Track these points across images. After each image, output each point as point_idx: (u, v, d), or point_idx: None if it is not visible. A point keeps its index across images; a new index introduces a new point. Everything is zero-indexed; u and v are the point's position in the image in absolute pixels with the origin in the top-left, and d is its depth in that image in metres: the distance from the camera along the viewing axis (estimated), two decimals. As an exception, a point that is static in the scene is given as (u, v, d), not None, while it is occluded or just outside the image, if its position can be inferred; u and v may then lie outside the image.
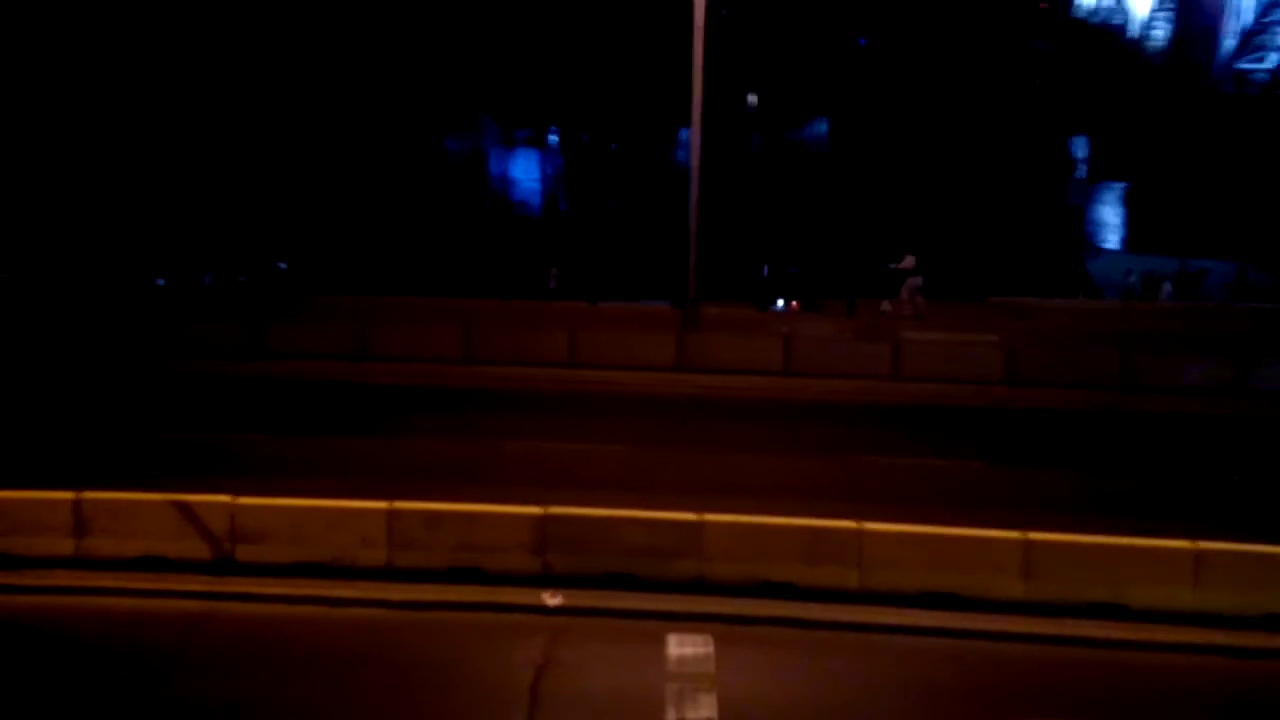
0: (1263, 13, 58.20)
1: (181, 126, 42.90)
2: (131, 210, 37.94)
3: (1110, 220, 56.86)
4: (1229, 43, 59.21)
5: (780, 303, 34.67)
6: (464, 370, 25.49)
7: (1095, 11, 60.94)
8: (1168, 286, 43.34)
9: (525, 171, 51.22)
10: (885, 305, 33.31)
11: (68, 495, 16.05)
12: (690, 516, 15.07)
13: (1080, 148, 55.44)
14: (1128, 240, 55.60)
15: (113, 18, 43.74)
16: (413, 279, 33.63)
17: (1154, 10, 60.64)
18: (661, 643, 13.22)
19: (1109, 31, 60.36)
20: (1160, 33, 60.54)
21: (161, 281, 32.04)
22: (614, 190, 50.07)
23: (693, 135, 26.31)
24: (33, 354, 25.94)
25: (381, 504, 15.68)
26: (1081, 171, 55.78)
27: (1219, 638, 13.64)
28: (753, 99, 45.08)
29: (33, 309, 28.27)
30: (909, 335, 28.45)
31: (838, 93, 50.28)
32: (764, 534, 15.03)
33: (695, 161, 26.21)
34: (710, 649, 13.12)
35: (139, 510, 15.86)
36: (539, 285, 33.40)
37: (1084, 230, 55.93)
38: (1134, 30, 60.80)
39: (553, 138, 52.12)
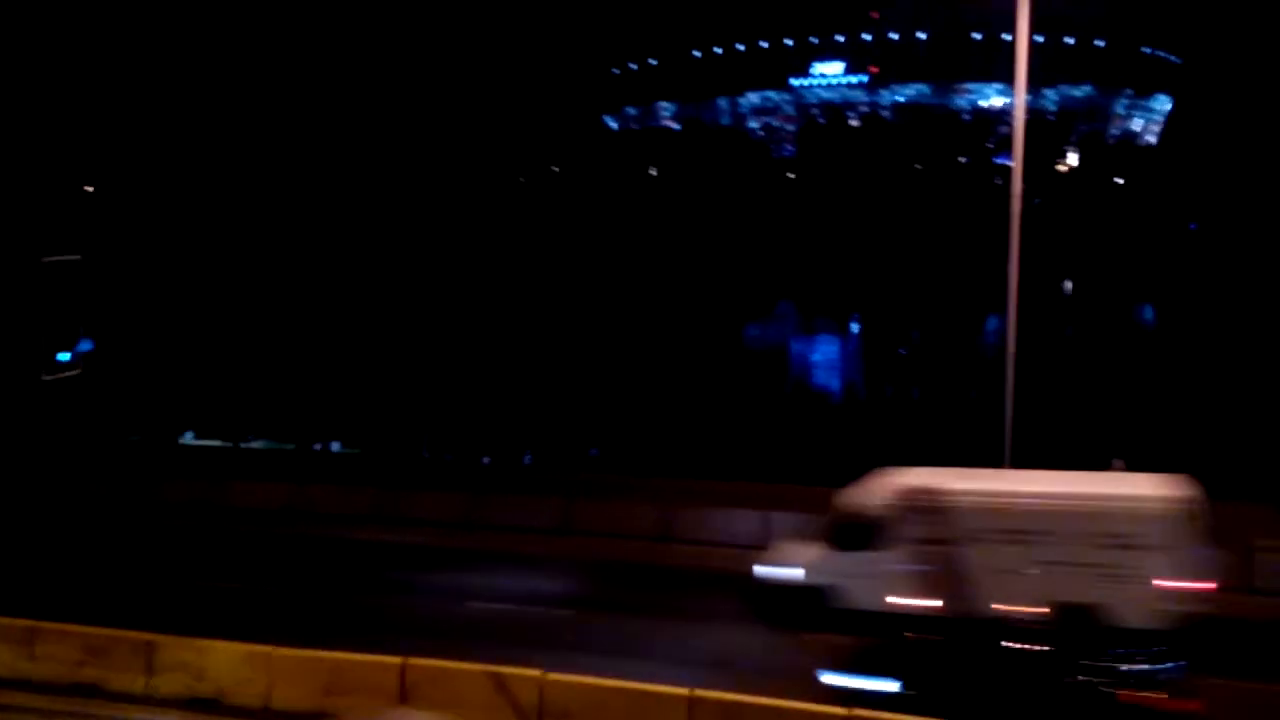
0: None
1: (515, 322, 47.35)
2: (472, 392, 41.52)
3: None
4: None
5: None
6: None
7: None
8: None
9: (825, 357, 51.51)
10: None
11: (395, 660, 17.02)
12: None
13: None
14: None
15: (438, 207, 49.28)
16: (714, 462, 34.12)
17: None
18: None
19: None
20: None
21: (487, 460, 34.37)
22: (916, 376, 49.20)
23: (1009, 323, 25.41)
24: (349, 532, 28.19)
25: (682, 690, 15.50)
26: None
27: None
28: (1069, 285, 43.50)
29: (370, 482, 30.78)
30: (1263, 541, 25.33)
31: (1164, 276, 47.70)
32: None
33: (1012, 349, 25.26)
34: None
35: (457, 679, 16.53)
36: (838, 469, 32.88)
37: None
38: None
39: (854, 325, 52.36)
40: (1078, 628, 18.49)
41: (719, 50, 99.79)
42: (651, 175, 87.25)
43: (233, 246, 58.54)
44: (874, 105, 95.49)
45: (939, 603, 19.15)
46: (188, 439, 39.20)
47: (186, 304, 52.68)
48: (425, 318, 50.02)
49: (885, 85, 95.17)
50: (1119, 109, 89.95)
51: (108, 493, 31.05)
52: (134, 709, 17.70)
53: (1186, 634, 17.91)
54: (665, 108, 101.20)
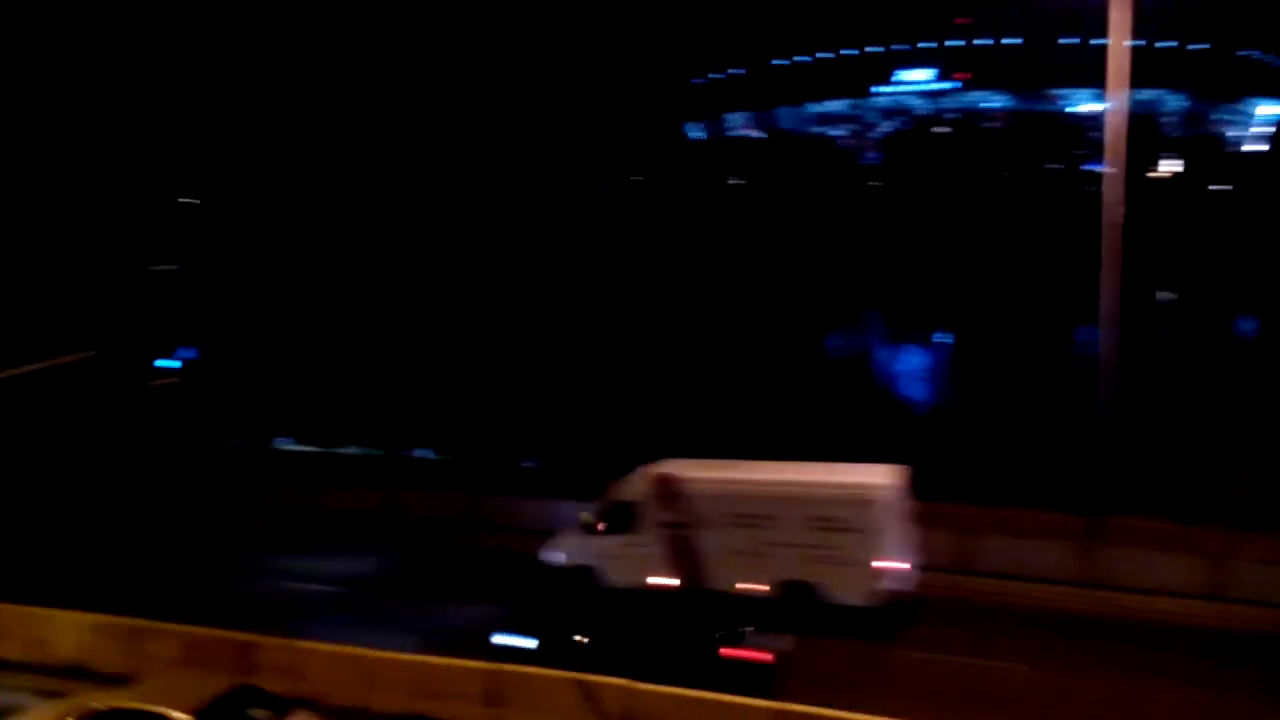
0: None
1: (601, 332, 47.98)
2: (557, 400, 41.94)
3: None
4: None
5: None
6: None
7: None
8: None
9: (910, 366, 50.84)
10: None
11: (483, 666, 17.35)
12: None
13: None
14: None
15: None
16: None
17: None
18: None
19: None
20: None
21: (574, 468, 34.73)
22: (1005, 387, 48.29)
23: (1104, 331, 24.89)
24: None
25: (767, 703, 15.53)
26: None
27: None
28: (1167, 295, 42.33)
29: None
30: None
31: (1270, 287, 46.14)
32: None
33: (1110, 359, 24.72)
34: None
35: (545, 685, 16.78)
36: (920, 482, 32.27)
37: None
38: None
39: (940, 335, 51.61)
40: (799, 603, 20.98)
41: (801, 58, 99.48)
42: (733, 184, 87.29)
43: (330, 257, 60.07)
44: (962, 111, 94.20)
45: (681, 581, 21.58)
46: (284, 444, 40.26)
47: (286, 313, 54.16)
48: (514, 326, 50.68)
49: (974, 91, 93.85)
50: (1218, 114, 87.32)
51: (206, 495, 32.08)
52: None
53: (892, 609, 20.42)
54: (746, 116, 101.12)
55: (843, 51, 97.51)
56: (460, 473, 33.70)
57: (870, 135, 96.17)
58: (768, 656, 17.97)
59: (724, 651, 18.00)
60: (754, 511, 21.36)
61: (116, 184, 64.02)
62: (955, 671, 19.18)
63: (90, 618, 20.02)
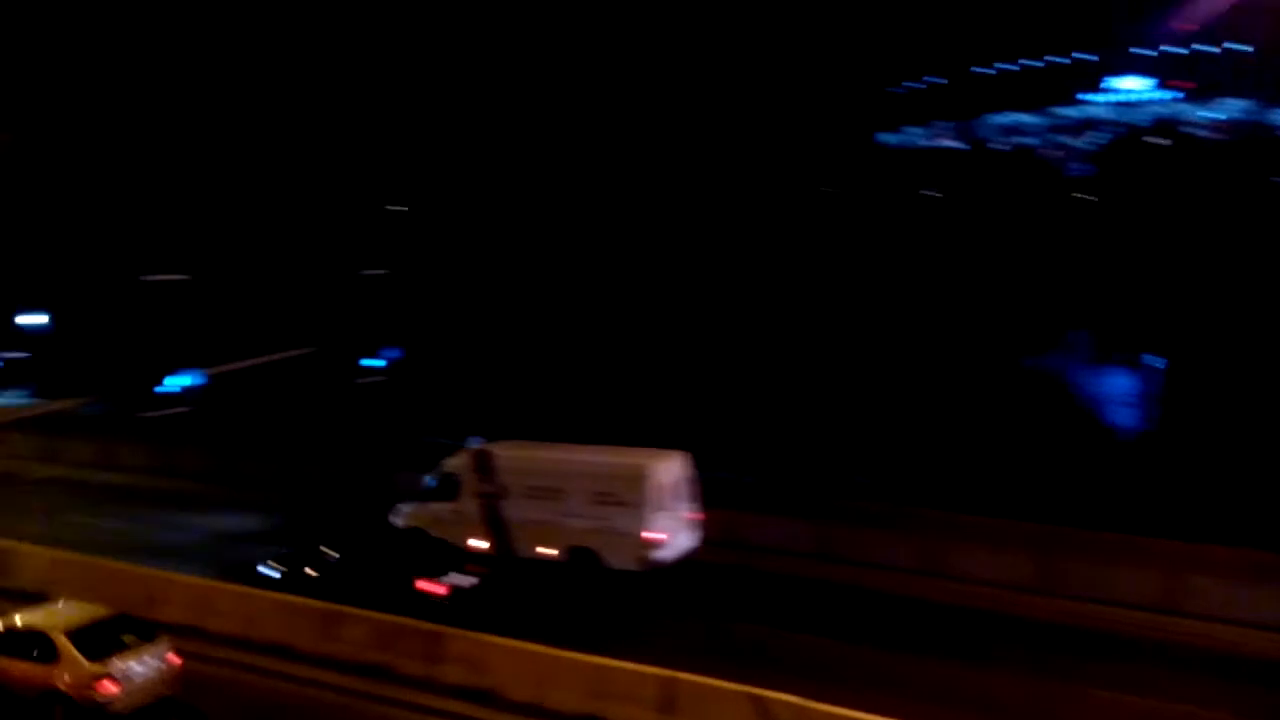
0: None
1: (785, 343, 47.60)
2: (734, 412, 41.96)
3: None
4: None
5: None
6: (1039, 601, 23.89)
7: None
8: None
9: (1119, 390, 48.24)
10: None
11: (658, 672, 17.49)
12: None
13: None
14: None
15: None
16: (985, 495, 32.73)
17: None
18: None
19: None
20: None
21: (749, 479, 34.54)
22: (1222, 415, 45.15)
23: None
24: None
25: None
26: None
27: None
28: None
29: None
30: None
31: None
32: None
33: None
34: None
35: (718, 698, 16.77)
36: (1126, 511, 30.56)
37: None
38: None
39: (1150, 358, 48.75)
40: (585, 567, 24.07)
41: (1005, 66, 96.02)
42: (928, 196, 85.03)
43: (528, 264, 62.13)
44: (1179, 121, 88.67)
45: (490, 544, 24.73)
46: (475, 443, 41.75)
47: (486, 316, 56.37)
48: (695, 336, 51.03)
49: (1193, 101, 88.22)
50: None
51: (396, 488, 33.38)
52: (419, 694, 19.14)
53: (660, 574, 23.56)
54: (944, 126, 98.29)
55: (1049, 59, 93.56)
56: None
57: (1077, 146, 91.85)
58: (442, 590, 21.89)
59: (416, 583, 21.79)
60: (548, 485, 24.69)
61: (333, 195, 68.26)
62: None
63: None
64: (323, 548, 23.05)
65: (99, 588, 22.22)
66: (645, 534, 23.67)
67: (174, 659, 18.41)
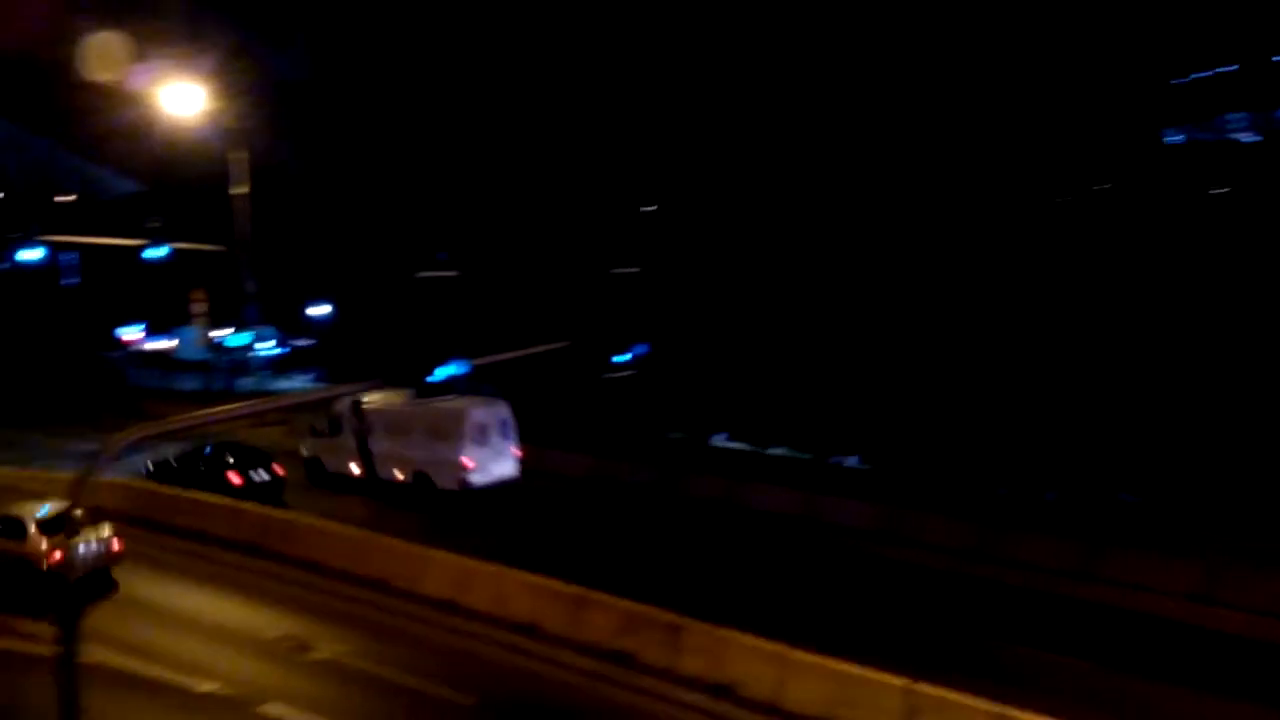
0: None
1: (1046, 349, 45.19)
2: (990, 419, 40.21)
3: None
4: None
5: None
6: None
7: None
8: None
9: None
10: None
11: (899, 681, 17.02)
12: None
13: None
14: None
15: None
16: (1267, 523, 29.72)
17: None
18: None
19: None
20: None
21: (1003, 491, 32.95)
22: None
23: None
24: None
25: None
26: None
27: None
28: None
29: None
30: None
31: None
32: None
33: None
34: None
35: (961, 713, 16.15)
36: None
37: None
38: None
39: None
40: (424, 487, 30.81)
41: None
42: (1216, 193, 78.10)
43: (776, 264, 61.98)
44: None
45: (361, 470, 32.05)
46: (719, 440, 42.06)
47: (733, 315, 56.69)
48: (951, 340, 49.22)
49: None
50: None
51: (643, 482, 34.05)
52: (659, 682, 19.48)
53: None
54: (1237, 118, 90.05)
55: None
56: (880, 484, 33.30)
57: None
58: (238, 480, 30.36)
59: (226, 474, 30.34)
60: (400, 425, 31.64)
61: (591, 197, 70.66)
62: None
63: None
64: (173, 456, 31.33)
65: (364, 559, 24.30)
66: (462, 459, 30.15)
67: (115, 544, 23.95)
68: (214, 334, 51.87)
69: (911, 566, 26.19)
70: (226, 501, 28.25)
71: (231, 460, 31.10)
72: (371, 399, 32.04)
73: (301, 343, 56.21)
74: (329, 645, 20.93)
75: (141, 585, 23.84)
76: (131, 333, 59.83)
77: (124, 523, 26.78)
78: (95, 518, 23.77)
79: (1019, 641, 21.34)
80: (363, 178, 71.13)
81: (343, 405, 32.10)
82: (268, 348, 52.59)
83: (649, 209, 75.94)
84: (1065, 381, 43.60)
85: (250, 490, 30.27)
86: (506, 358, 21.61)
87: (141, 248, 47.78)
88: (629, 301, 59.62)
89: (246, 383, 47.74)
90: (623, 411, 43.29)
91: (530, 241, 67.52)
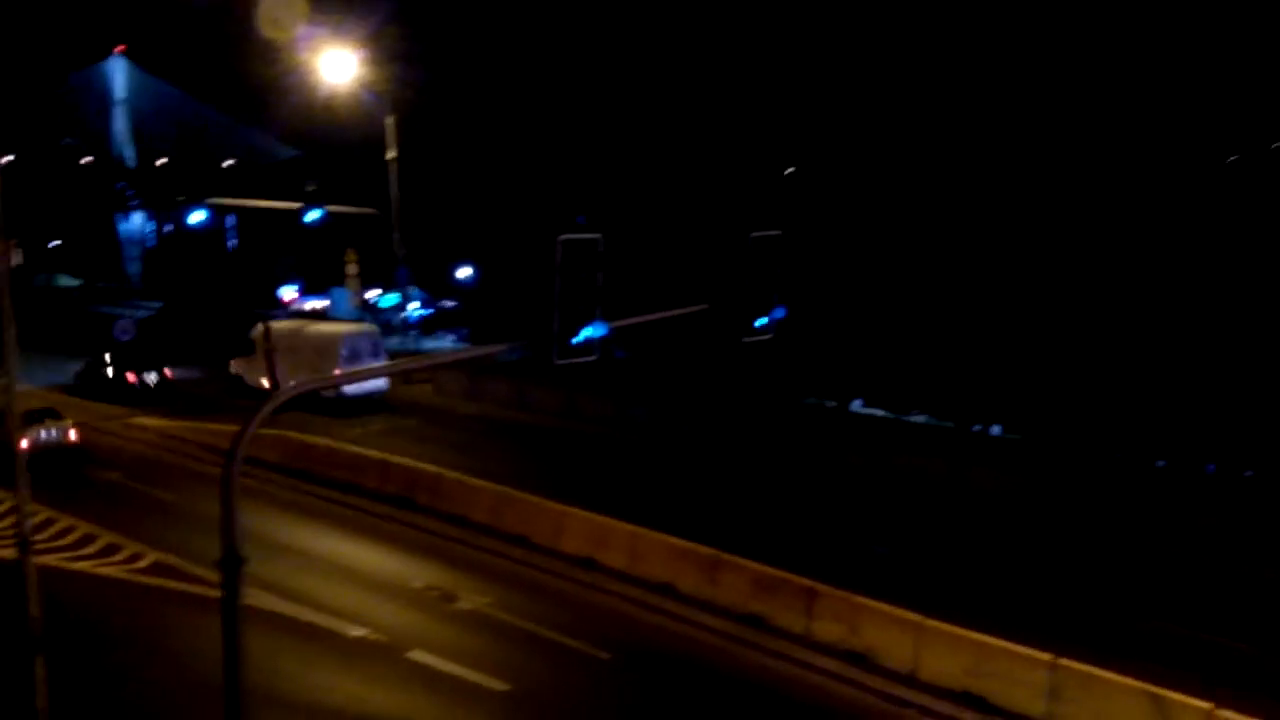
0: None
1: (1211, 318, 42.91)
2: (1154, 393, 38.44)
3: None
4: None
5: None
6: None
7: None
8: None
9: None
10: None
11: (1044, 656, 16.53)
12: None
13: None
14: None
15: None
16: None
17: None
18: None
19: None
20: None
21: (1162, 463, 31.43)
22: None
23: None
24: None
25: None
26: None
27: None
28: None
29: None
30: None
31: None
32: None
33: None
34: None
35: (1109, 691, 15.60)
36: None
37: None
38: None
39: None
40: (312, 395, 32.17)
41: None
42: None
43: (922, 226, 60.44)
44: None
45: (269, 382, 34.87)
46: (856, 406, 41.33)
47: (874, 279, 55.54)
48: (1114, 306, 47.11)
49: None
50: None
51: (781, 448, 33.80)
52: (793, 647, 19.42)
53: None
54: None
55: None
56: (1028, 453, 32.18)
57: None
58: (133, 379, 39.25)
59: (125, 375, 39.04)
60: (297, 345, 37.60)
61: (734, 160, 70.13)
62: None
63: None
64: (83, 367, 39.82)
65: (504, 514, 25.04)
66: (337, 374, 35.06)
67: (72, 432, 31.30)
68: (366, 294, 53.66)
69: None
70: (376, 455, 29.51)
71: (126, 365, 39.31)
72: (278, 325, 38.79)
73: (447, 304, 57.55)
74: (472, 596, 21.60)
75: (297, 534, 25.06)
76: (289, 292, 62.50)
77: (281, 474, 28.20)
78: (55, 416, 31.40)
79: (1171, 620, 20.44)
80: (507, 143, 72.28)
81: (257, 331, 38.24)
82: (416, 309, 54.06)
83: (789, 171, 74.92)
84: (1220, 352, 41.27)
85: (144, 390, 39.12)
86: (645, 320, 21.60)
87: (300, 211, 49.50)
88: (770, 265, 58.96)
89: (393, 342, 49.34)
90: (760, 376, 42.98)
91: (671, 204, 67.45)
